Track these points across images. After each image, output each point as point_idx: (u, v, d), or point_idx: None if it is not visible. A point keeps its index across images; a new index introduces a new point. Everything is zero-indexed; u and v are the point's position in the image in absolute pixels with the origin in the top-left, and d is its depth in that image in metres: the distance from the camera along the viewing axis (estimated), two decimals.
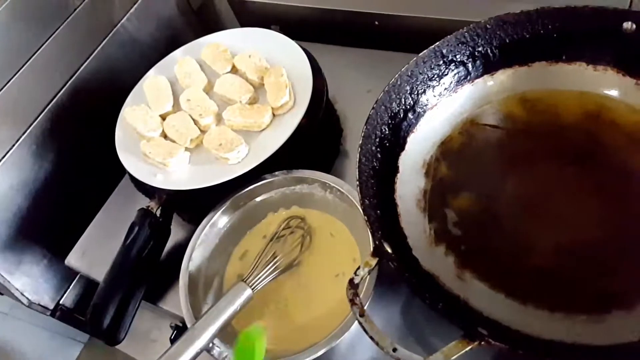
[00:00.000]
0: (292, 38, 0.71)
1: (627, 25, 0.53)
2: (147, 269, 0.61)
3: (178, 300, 0.56)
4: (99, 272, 0.60)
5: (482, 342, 0.38)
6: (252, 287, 0.52)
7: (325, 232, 0.59)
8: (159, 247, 0.62)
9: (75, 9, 0.74)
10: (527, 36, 0.57)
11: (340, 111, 0.72)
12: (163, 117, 0.65)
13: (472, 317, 0.44)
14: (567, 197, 0.51)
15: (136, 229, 0.60)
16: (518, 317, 0.45)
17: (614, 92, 0.55)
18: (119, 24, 0.81)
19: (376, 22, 0.75)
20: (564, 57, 0.57)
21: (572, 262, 0.47)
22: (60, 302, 0.84)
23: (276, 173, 0.60)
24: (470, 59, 0.58)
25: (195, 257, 0.57)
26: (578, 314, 0.44)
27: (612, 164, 0.52)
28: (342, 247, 0.57)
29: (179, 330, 0.63)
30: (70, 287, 0.85)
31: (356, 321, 0.42)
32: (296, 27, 0.79)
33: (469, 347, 0.38)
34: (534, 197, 0.52)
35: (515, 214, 0.52)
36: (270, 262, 0.54)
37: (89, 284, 0.83)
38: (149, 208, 0.61)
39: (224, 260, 0.60)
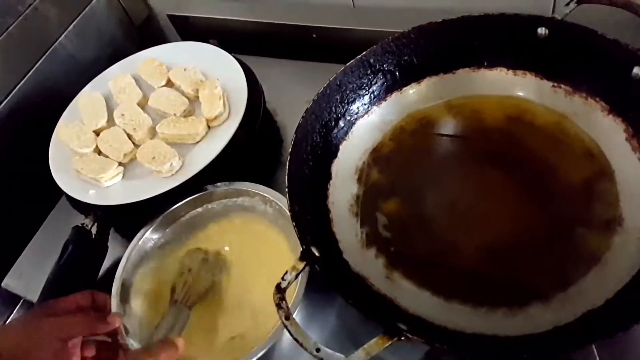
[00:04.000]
0: (233, 52, 0.72)
1: (541, 31, 0.56)
2: (83, 287, 0.59)
3: None
4: (37, 294, 0.59)
5: (402, 338, 0.39)
6: (188, 307, 0.52)
7: (263, 245, 0.59)
8: (96, 265, 0.61)
9: (7, 28, 0.73)
10: (450, 44, 0.59)
11: (280, 122, 0.73)
12: (97, 133, 0.65)
13: (396, 315, 0.45)
14: (490, 198, 0.53)
15: (70, 247, 0.59)
16: (443, 313, 0.46)
17: (533, 96, 0.58)
18: (57, 42, 0.81)
19: (314, 35, 0.77)
20: (485, 64, 0.60)
21: (493, 260, 0.49)
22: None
23: (218, 184, 0.60)
24: (397, 68, 0.60)
25: (128, 270, 0.56)
26: (499, 307, 0.46)
27: (531, 164, 0.54)
28: (280, 258, 0.57)
29: None
30: (15, 310, 0.82)
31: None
32: (236, 40, 0.80)
33: (389, 343, 0.39)
34: (459, 200, 0.54)
35: (440, 215, 0.53)
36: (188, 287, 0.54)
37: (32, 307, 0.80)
38: (84, 225, 0.61)
39: (161, 272, 0.59)
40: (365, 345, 0.39)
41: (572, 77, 0.55)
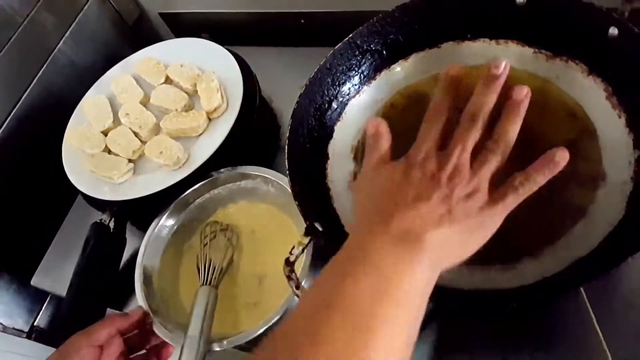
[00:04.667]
0: (225, 44, 0.75)
1: None
2: (107, 278, 0.64)
3: None
4: (65, 288, 0.63)
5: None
6: (215, 286, 0.57)
7: (270, 223, 0.63)
8: (116, 257, 0.65)
9: (9, 40, 0.76)
10: (433, 20, 0.61)
11: (276, 109, 0.76)
12: (105, 133, 0.68)
13: None
14: None
15: (91, 242, 0.63)
16: (443, 275, 0.50)
17: (515, 63, 0.60)
18: (56, 49, 0.83)
19: (302, 21, 0.79)
20: (469, 36, 0.62)
21: None
22: (35, 323, 0.86)
23: (221, 170, 0.64)
24: (384, 47, 0.62)
25: (148, 256, 0.61)
26: (493, 265, 0.49)
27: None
28: (285, 234, 0.61)
29: None
30: (43, 308, 0.87)
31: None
32: (227, 33, 0.83)
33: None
34: None
35: None
36: (210, 265, 0.58)
37: (60, 303, 0.85)
38: (102, 221, 0.64)
39: (178, 256, 0.63)
40: None
41: (551, 42, 0.57)
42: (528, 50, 0.60)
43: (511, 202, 0.41)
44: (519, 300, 0.44)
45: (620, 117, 0.52)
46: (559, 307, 0.49)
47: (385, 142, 0.47)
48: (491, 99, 0.44)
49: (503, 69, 0.45)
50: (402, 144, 0.61)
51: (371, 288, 0.34)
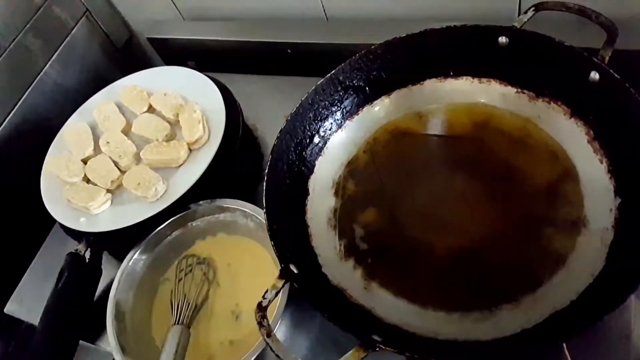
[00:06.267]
0: (211, 71, 0.74)
1: (502, 39, 0.58)
2: (81, 310, 0.62)
3: None
4: (38, 318, 0.62)
5: (376, 349, 0.41)
6: (187, 325, 0.56)
7: (248, 258, 0.62)
8: (91, 288, 0.64)
9: None
10: (416, 57, 0.61)
11: (260, 137, 0.75)
12: (85, 162, 0.67)
13: (373, 325, 0.47)
14: (460, 204, 0.56)
15: (65, 273, 0.62)
16: (418, 320, 0.49)
17: (498, 102, 0.60)
18: (42, 72, 0.83)
19: (289, 50, 0.79)
20: (451, 73, 0.62)
21: (465, 265, 0.51)
22: (9, 350, 0.84)
23: (200, 202, 0.63)
24: (367, 83, 0.62)
25: (121, 291, 0.59)
26: (472, 312, 0.48)
27: (499, 169, 0.56)
28: (264, 271, 0.60)
29: None
30: (16, 336, 0.85)
31: None
32: (213, 60, 0.82)
33: (365, 355, 0.41)
34: (431, 207, 0.56)
35: (413, 223, 0.56)
36: (184, 302, 0.57)
37: (34, 332, 0.83)
38: (77, 251, 0.63)
39: (152, 291, 0.62)
40: (341, 358, 0.41)
41: (534, 83, 0.57)
42: (511, 90, 0.60)
43: None
44: (496, 353, 0.43)
45: (601, 162, 0.52)
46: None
47: None
48: None
49: None
50: (383, 177, 0.61)
51: None
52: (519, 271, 0.50)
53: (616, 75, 0.49)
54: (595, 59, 0.51)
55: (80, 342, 0.62)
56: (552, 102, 0.57)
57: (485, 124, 0.60)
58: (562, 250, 0.50)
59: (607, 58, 0.52)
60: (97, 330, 0.65)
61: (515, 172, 0.56)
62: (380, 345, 0.41)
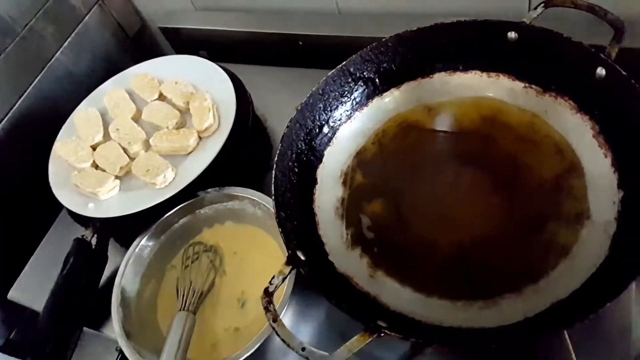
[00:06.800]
0: (222, 61, 0.75)
1: (511, 35, 0.58)
2: (85, 296, 0.63)
3: None
4: (42, 304, 0.62)
5: (382, 334, 0.42)
6: (193, 312, 0.56)
7: (255, 246, 0.62)
8: (97, 274, 0.64)
9: (5, 48, 0.76)
10: (426, 51, 0.62)
11: (270, 128, 0.76)
12: (94, 148, 0.68)
13: (378, 312, 0.48)
14: (467, 197, 0.56)
15: (71, 259, 0.62)
16: (423, 308, 0.49)
17: (506, 97, 0.61)
18: (53, 59, 0.83)
19: (300, 42, 0.80)
20: (460, 67, 0.62)
21: (470, 255, 0.52)
22: (11, 337, 0.85)
23: (208, 190, 0.63)
24: (377, 75, 0.63)
25: (127, 277, 0.60)
26: (476, 301, 0.49)
27: (506, 162, 0.57)
28: (270, 259, 0.60)
29: (123, 354, 0.65)
30: (20, 322, 0.85)
31: None
32: (225, 50, 0.83)
33: (370, 340, 0.42)
34: (438, 199, 0.57)
35: (420, 215, 0.56)
36: (190, 288, 0.58)
37: (37, 318, 0.84)
38: (84, 237, 0.64)
39: (158, 278, 0.63)
40: (347, 343, 0.42)
41: (542, 78, 0.58)
42: (518, 85, 0.60)
43: None
44: (499, 341, 0.44)
45: (606, 156, 0.52)
46: (541, 350, 0.48)
47: None
48: None
49: None
50: (391, 168, 0.61)
51: None
52: (522, 263, 0.51)
53: (622, 71, 0.50)
54: (602, 55, 0.52)
55: (85, 328, 0.63)
56: (558, 97, 0.57)
57: (493, 119, 0.60)
58: (566, 242, 0.50)
59: (613, 55, 0.52)
60: (101, 317, 0.65)
61: (521, 167, 0.57)
62: (386, 331, 0.42)
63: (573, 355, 0.47)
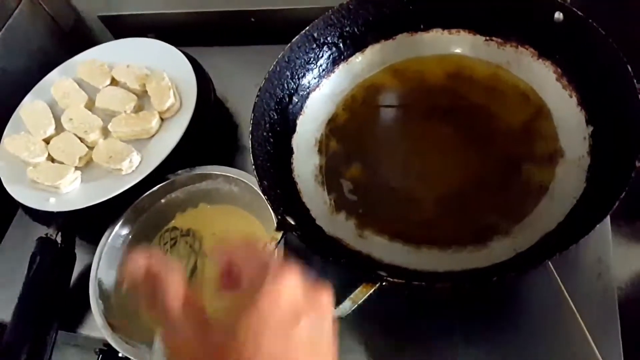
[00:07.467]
0: (172, 44, 0.71)
1: None
2: (57, 297, 0.58)
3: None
4: (9, 314, 0.57)
5: (384, 283, 0.42)
6: None
7: (234, 224, 0.60)
8: (66, 273, 0.60)
9: None
10: (387, 12, 0.62)
11: (232, 108, 0.74)
12: (47, 141, 0.63)
13: (374, 267, 0.48)
14: (441, 152, 0.57)
15: (37, 259, 0.58)
16: (416, 259, 0.50)
17: (468, 51, 0.62)
18: None
19: (252, 19, 0.78)
20: (422, 27, 0.63)
21: (453, 206, 0.53)
22: None
23: (178, 172, 0.60)
24: (341, 40, 0.62)
25: (102, 269, 0.56)
26: (465, 246, 0.50)
27: (475, 115, 0.58)
28: (252, 233, 0.58)
29: (104, 353, 0.61)
30: None
31: None
32: (174, 33, 0.79)
33: (373, 289, 0.41)
34: (413, 156, 0.58)
35: (399, 173, 0.57)
36: None
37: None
38: (48, 235, 0.59)
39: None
40: (351, 295, 0.41)
41: (501, 29, 0.59)
42: (479, 39, 0.61)
43: None
44: (489, 278, 0.45)
45: (571, 96, 0.54)
46: (532, 284, 0.50)
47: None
48: None
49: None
50: (364, 132, 0.61)
51: None
52: (505, 206, 0.52)
53: (579, 12, 0.52)
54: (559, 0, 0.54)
55: (61, 331, 0.59)
56: (519, 46, 0.59)
57: (457, 74, 0.61)
58: (543, 181, 0.52)
59: (568, 0, 0.55)
60: (77, 317, 0.61)
61: (491, 117, 0.58)
62: (388, 279, 0.42)
63: (562, 286, 0.49)
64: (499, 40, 0.60)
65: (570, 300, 0.47)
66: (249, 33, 0.78)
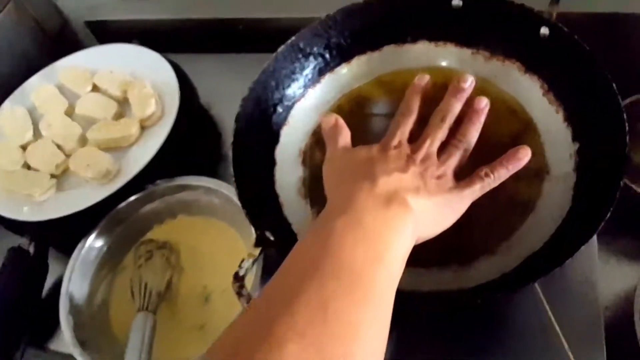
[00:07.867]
0: (158, 51, 0.70)
1: (456, 2, 0.59)
2: (26, 310, 0.56)
3: None
4: None
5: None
6: (153, 311, 0.52)
7: (212, 237, 0.59)
8: (38, 285, 0.58)
9: None
10: (374, 23, 0.61)
11: (216, 117, 0.73)
12: (24, 148, 0.61)
13: None
14: None
15: (8, 269, 0.56)
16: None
17: (455, 64, 0.61)
18: None
19: (240, 27, 0.77)
20: (409, 39, 0.62)
21: None
22: None
23: (157, 182, 0.59)
24: (327, 50, 0.61)
25: (74, 283, 0.54)
26: (450, 266, 0.48)
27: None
28: (231, 249, 0.57)
29: None
30: None
31: None
32: (159, 40, 0.78)
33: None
34: None
35: None
36: (146, 290, 0.53)
37: None
38: (21, 245, 0.57)
39: (109, 281, 0.57)
40: None
41: (488, 43, 0.59)
42: (466, 51, 0.61)
43: (477, 190, 0.44)
44: (475, 299, 0.43)
45: (557, 112, 0.54)
46: (517, 305, 0.49)
47: (346, 131, 0.50)
48: (458, 106, 0.49)
49: (470, 83, 0.50)
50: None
51: (365, 252, 0.35)
52: (491, 223, 0.51)
53: (565, 28, 0.52)
54: (544, 15, 0.53)
55: (28, 348, 0.57)
56: (506, 60, 0.58)
57: (444, 86, 0.60)
58: (529, 198, 0.51)
59: (554, 15, 0.54)
60: (47, 332, 0.59)
61: None
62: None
63: (547, 307, 0.48)
64: (486, 53, 0.59)
65: (555, 323, 0.46)
66: (237, 41, 0.77)
